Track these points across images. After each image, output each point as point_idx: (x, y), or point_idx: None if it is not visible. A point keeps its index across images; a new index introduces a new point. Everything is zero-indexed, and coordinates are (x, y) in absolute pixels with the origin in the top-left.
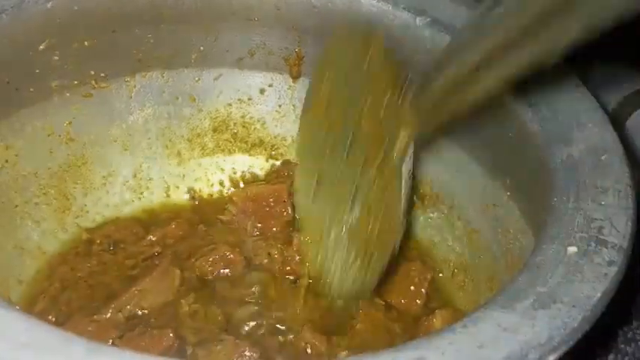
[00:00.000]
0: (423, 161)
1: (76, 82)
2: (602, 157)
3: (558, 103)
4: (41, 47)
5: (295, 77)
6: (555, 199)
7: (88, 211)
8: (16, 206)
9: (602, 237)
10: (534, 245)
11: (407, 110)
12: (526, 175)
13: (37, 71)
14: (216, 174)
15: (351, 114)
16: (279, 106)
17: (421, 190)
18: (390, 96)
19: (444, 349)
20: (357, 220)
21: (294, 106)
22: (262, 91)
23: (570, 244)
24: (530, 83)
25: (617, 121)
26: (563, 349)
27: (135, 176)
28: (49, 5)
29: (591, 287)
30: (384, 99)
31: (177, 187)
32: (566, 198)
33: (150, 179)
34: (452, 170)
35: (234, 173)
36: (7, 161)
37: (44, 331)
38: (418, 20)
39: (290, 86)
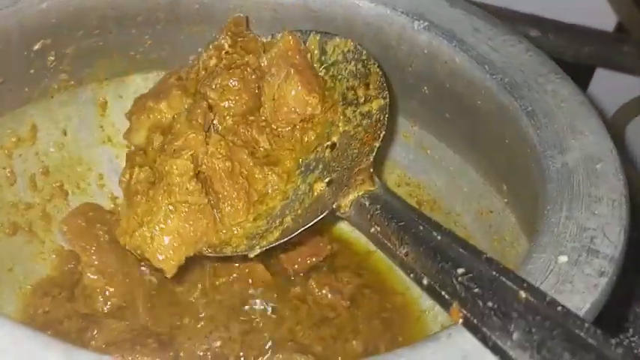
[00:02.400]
0: (420, 167)
1: (72, 83)
2: (597, 166)
3: (555, 110)
4: (36, 47)
5: None
6: (548, 208)
7: None
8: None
9: (593, 247)
10: (526, 254)
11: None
12: (522, 182)
13: (32, 72)
14: None
15: None
16: None
17: (417, 197)
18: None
19: (427, 359)
20: None
21: None
22: None
23: (561, 254)
24: (528, 90)
25: (616, 128)
26: None
27: None
28: (44, 5)
29: (581, 298)
30: None
31: None
32: (559, 207)
33: None
34: (448, 176)
35: None
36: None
37: (22, 335)
38: (416, 25)
39: None
